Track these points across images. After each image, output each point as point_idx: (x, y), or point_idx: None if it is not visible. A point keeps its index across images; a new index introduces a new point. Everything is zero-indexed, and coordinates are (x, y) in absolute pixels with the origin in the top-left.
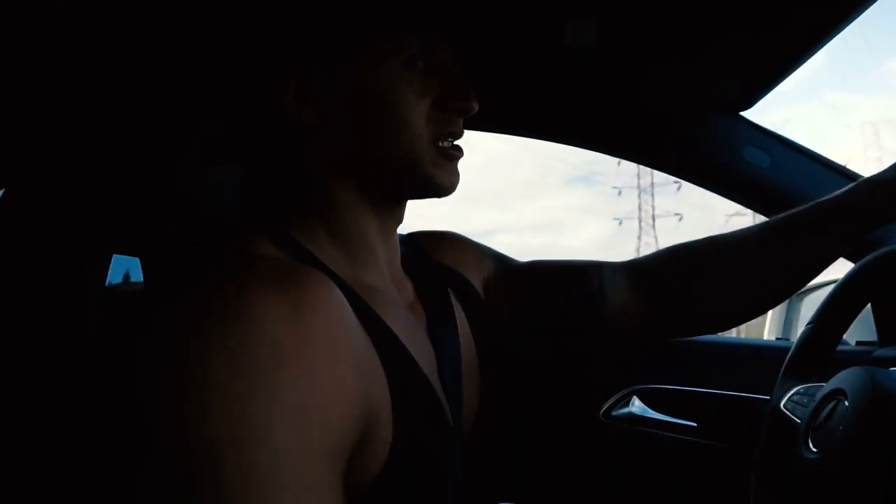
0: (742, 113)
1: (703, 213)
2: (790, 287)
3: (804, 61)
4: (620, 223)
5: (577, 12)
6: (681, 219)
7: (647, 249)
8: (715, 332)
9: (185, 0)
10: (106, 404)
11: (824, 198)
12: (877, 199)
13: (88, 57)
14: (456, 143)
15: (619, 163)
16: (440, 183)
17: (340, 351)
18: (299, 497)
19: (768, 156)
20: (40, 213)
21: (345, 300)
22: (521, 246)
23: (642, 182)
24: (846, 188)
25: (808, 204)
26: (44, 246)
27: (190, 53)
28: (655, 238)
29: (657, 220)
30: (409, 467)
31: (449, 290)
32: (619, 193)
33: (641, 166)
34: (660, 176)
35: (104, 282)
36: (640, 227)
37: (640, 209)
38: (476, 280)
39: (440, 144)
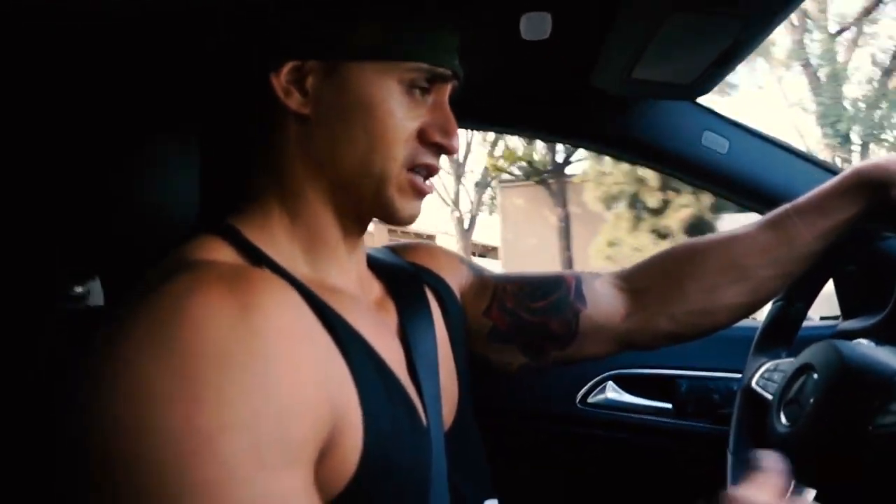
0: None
1: None
2: (785, 281)
3: (758, 45)
4: None
5: (531, 6)
6: None
7: None
8: (701, 334)
9: None
10: (51, 427)
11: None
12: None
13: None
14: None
15: None
16: (398, 209)
17: (296, 355)
18: None
19: (727, 140)
20: None
21: (301, 302)
22: None
23: None
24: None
25: (797, 199)
26: None
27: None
28: None
29: None
30: (383, 469)
31: (425, 288)
32: None
33: None
34: None
35: (62, 304)
36: None
37: None
38: (453, 286)
39: (413, 174)
